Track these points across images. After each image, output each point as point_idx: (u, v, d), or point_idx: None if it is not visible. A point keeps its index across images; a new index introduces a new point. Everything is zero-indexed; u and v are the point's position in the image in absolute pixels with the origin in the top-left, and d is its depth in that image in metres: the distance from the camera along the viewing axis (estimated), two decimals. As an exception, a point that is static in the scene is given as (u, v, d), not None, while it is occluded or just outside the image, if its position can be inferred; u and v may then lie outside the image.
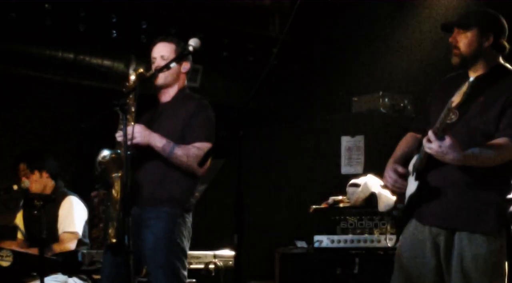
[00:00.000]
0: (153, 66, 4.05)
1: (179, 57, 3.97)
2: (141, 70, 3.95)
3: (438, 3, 6.02)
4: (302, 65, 7.11)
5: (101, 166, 3.89)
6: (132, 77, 3.93)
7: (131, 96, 3.88)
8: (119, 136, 3.86)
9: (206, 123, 4.01)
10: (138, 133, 3.82)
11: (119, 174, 3.86)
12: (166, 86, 4.06)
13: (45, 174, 5.27)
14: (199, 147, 3.90)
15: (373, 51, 6.58)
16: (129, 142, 3.68)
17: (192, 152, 3.89)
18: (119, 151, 3.87)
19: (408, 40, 6.32)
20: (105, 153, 3.89)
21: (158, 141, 3.85)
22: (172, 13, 6.27)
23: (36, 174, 5.24)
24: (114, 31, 6.17)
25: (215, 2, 6.50)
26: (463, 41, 3.40)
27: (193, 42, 3.83)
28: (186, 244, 4.00)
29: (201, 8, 6.37)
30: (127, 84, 3.95)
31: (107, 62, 6.33)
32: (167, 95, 4.09)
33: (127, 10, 6.11)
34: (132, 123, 3.83)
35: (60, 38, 6.10)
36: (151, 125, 3.95)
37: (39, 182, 5.24)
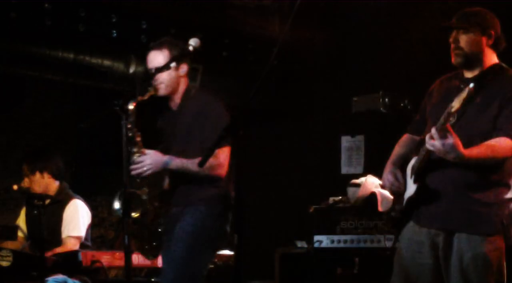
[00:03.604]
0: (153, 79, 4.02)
1: (169, 64, 3.93)
2: (139, 97, 3.89)
3: (438, 3, 6.03)
4: (302, 65, 7.10)
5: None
6: (131, 107, 3.85)
7: (131, 126, 3.88)
8: (133, 169, 3.89)
9: (219, 125, 3.91)
10: (150, 165, 3.87)
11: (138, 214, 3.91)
12: (170, 94, 4.06)
13: (46, 175, 5.25)
14: (216, 154, 3.86)
15: (373, 51, 6.58)
16: (144, 174, 3.85)
17: (208, 163, 3.86)
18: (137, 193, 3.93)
19: (408, 40, 6.31)
20: (117, 206, 3.93)
21: (171, 164, 3.88)
22: (172, 13, 6.27)
23: (37, 175, 5.23)
24: (114, 31, 6.17)
25: (215, 2, 6.49)
26: (466, 40, 3.40)
27: (193, 42, 3.82)
28: (214, 245, 4.02)
29: (201, 8, 6.37)
30: (128, 115, 3.88)
31: (107, 62, 6.31)
32: (174, 103, 4.10)
33: (127, 10, 6.10)
34: (143, 152, 3.89)
35: (60, 38, 6.08)
36: (165, 138, 4.01)
37: (39, 183, 5.22)
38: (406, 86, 6.24)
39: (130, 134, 3.90)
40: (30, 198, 5.11)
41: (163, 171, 3.98)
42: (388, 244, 4.88)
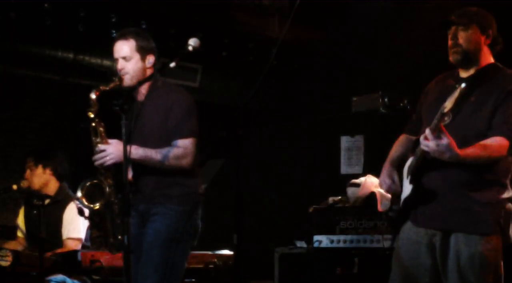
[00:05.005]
0: (118, 68, 4.00)
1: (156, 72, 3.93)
2: (101, 87, 3.87)
3: (438, 3, 6.03)
4: (302, 65, 7.10)
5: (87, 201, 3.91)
6: (93, 96, 3.86)
7: (93, 117, 3.87)
8: (96, 160, 3.87)
9: (187, 117, 3.94)
10: (112, 154, 3.83)
11: (102, 202, 3.88)
12: (136, 85, 3.99)
13: (48, 171, 5.26)
14: (180, 145, 3.88)
15: (373, 51, 6.58)
16: (105, 164, 3.80)
17: (172, 153, 3.87)
18: (95, 180, 3.89)
19: (408, 40, 6.31)
20: (79, 193, 3.91)
21: (135, 154, 3.80)
22: (172, 13, 6.27)
23: (40, 169, 5.24)
24: (114, 31, 6.16)
25: (215, 2, 6.49)
26: (465, 37, 3.41)
27: (192, 42, 3.82)
28: (189, 242, 3.98)
29: (201, 8, 6.36)
30: (90, 106, 3.89)
31: (106, 62, 6.31)
32: (140, 94, 4.04)
33: (127, 10, 6.10)
34: (106, 142, 3.86)
35: (60, 38, 6.09)
36: (130, 130, 3.89)
37: (39, 177, 5.23)
38: (406, 86, 6.24)
39: (93, 124, 3.88)
40: (29, 198, 5.11)
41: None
42: (387, 244, 4.87)
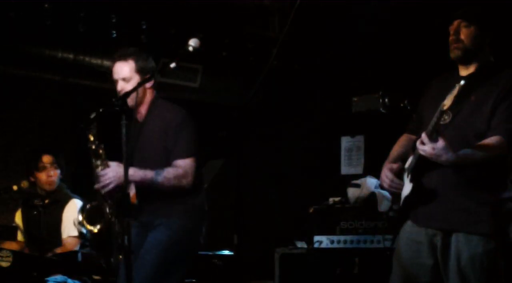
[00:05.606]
0: (117, 89, 3.98)
1: (143, 82, 3.88)
2: (101, 108, 3.78)
3: (438, 3, 6.03)
4: (302, 65, 7.10)
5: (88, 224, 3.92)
6: (92, 116, 3.80)
7: (93, 139, 3.89)
8: (98, 186, 3.86)
9: (186, 137, 3.93)
10: (112, 177, 3.82)
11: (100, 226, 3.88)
12: (136, 105, 4.00)
13: (59, 172, 5.26)
14: (179, 166, 3.88)
15: (373, 51, 6.57)
16: (106, 189, 3.80)
17: (171, 174, 3.86)
18: (93, 204, 3.92)
19: (408, 40, 6.31)
20: (80, 217, 3.92)
21: (135, 176, 3.81)
22: (172, 13, 6.26)
23: (54, 169, 5.22)
24: (114, 31, 6.16)
25: (215, 2, 6.49)
26: (467, 34, 3.41)
27: (193, 42, 3.81)
28: (187, 258, 3.98)
29: (201, 8, 6.36)
30: (89, 128, 3.90)
31: (107, 62, 6.31)
32: (140, 115, 4.05)
33: (127, 10, 6.10)
34: (106, 164, 3.87)
35: (60, 38, 6.09)
36: (129, 150, 3.87)
37: (51, 178, 5.21)
38: (406, 86, 6.24)
39: (92, 147, 3.89)
40: (28, 198, 5.11)
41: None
42: (387, 244, 4.88)
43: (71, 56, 6.21)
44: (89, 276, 4.85)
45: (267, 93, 6.89)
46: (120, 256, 3.67)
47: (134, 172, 3.79)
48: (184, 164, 3.88)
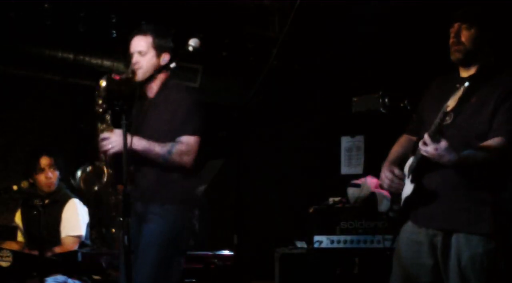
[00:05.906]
0: (132, 61, 3.99)
1: (161, 68, 3.92)
2: (112, 75, 3.88)
3: (439, 3, 6.03)
4: (302, 65, 7.10)
5: (83, 185, 3.91)
6: (103, 83, 3.85)
7: (101, 103, 3.86)
8: (101, 145, 3.85)
9: (194, 117, 3.94)
10: (114, 142, 3.81)
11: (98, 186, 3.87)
12: (148, 81, 4.00)
13: (57, 173, 5.26)
14: (184, 142, 3.88)
15: (373, 51, 6.57)
16: (108, 152, 3.77)
17: (175, 149, 3.87)
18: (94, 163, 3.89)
19: (408, 40, 6.31)
20: (78, 173, 3.90)
21: (138, 145, 3.80)
22: (172, 13, 6.26)
23: (53, 171, 5.22)
24: (114, 31, 6.16)
25: (215, 2, 6.49)
26: (468, 37, 3.41)
27: (193, 42, 3.81)
28: (185, 241, 3.97)
29: (201, 8, 6.36)
30: (98, 91, 3.89)
31: (107, 62, 6.32)
32: (151, 90, 4.05)
33: (127, 10, 6.10)
34: (111, 130, 3.84)
35: (60, 38, 6.09)
36: (137, 123, 3.93)
37: (50, 179, 5.21)
38: (406, 86, 6.24)
39: (100, 110, 3.87)
40: (28, 199, 5.10)
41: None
42: (388, 244, 4.88)
43: (71, 56, 6.21)
44: (89, 276, 4.85)
45: (267, 93, 6.89)
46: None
47: (138, 141, 3.78)
48: (188, 141, 3.88)
